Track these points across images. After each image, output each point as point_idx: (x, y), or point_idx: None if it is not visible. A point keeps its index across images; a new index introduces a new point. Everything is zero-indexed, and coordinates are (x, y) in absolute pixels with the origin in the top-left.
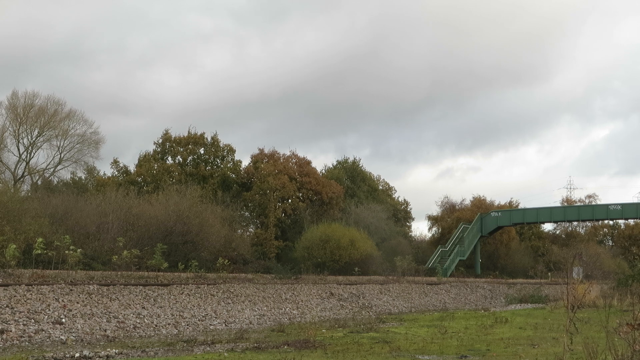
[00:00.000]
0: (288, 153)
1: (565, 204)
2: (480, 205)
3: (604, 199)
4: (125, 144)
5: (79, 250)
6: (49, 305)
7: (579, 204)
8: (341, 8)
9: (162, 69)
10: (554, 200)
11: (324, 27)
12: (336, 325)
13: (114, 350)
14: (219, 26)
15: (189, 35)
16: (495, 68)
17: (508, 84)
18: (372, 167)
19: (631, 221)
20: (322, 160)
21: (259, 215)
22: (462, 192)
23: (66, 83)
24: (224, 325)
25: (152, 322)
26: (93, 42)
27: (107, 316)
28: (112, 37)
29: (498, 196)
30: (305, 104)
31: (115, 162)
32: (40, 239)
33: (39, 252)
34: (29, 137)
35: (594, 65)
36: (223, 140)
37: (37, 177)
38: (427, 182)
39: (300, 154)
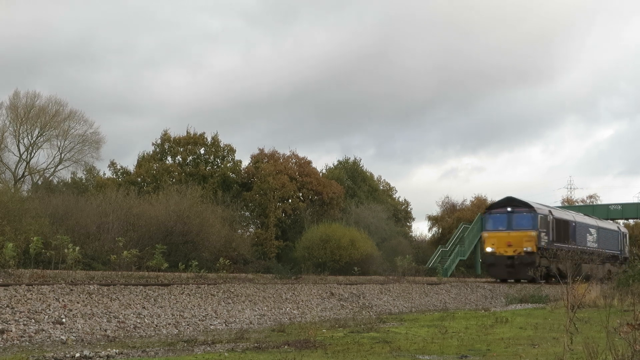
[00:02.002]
0: (288, 153)
1: (566, 203)
2: (480, 205)
3: (608, 199)
4: (131, 145)
5: (77, 248)
6: (49, 305)
7: (579, 203)
8: (350, 8)
9: (170, 69)
10: (555, 200)
11: (333, 27)
12: (336, 325)
13: (114, 350)
14: (227, 26)
15: (197, 36)
16: (502, 68)
17: (514, 84)
18: (376, 167)
19: (631, 221)
20: (327, 161)
21: (259, 215)
22: (466, 192)
23: (74, 84)
24: (224, 325)
25: (153, 322)
26: (101, 43)
27: (107, 316)
28: (120, 38)
29: (501, 196)
30: (313, 105)
31: (113, 164)
32: (36, 237)
33: (35, 250)
34: (30, 137)
35: (599, 66)
36: (230, 140)
37: (38, 177)
38: (430, 182)
39: (306, 155)
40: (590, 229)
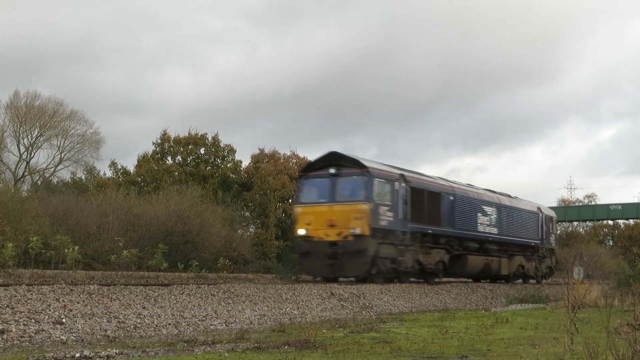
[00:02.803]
0: (288, 153)
1: (563, 203)
2: None
3: (609, 199)
4: (134, 145)
5: (77, 248)
6: (49, 305)
7: (577, 204)
8: (353, 8)
9: (173, 69)
10: (553, 200)
11: (335, 27)
12: (337, 326)
13: (114, 350)
14: (230, 26)
15: (199, 36)
16: (503, 68)
17: (516, 84)
18: None
19: (631, 221)
20: None
21: (259, 215)
22: None
23: (76, 84)
24: (224, 325)
25: (153, 322)
26: (103, 43)
27: (107, 316)
28: (122, 38)
29: None
30: (315, 105)
31: (113, 164)
32: (36, 237)
33: (35, 250)
34: (30, 137)
35: (601, 66)
36: (230, 140)
37: (37, 177)
38: None
39: (307, 155)
40: (484, 207)
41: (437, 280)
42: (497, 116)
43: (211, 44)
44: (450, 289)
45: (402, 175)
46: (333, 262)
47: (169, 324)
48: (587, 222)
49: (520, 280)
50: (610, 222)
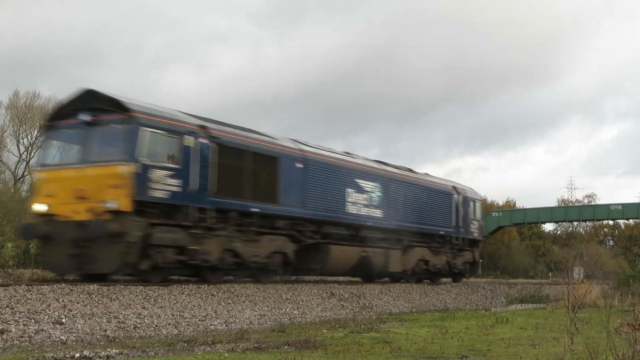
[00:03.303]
0: None
1: (562, 204)
2: (484, 206)
3: (612, 199)
4: None
5: None
6: (49, 306)
7: (577, 204)
8: (357, 9)
9: (176, 69)
10: (553, 200)
11: (339, 27)
12: (337, 326)
13: (114, 350)
14: (234, 27)
15: (204, 36)
16: (507, 68)
17: (519, 84)
18: None
19: (631, 221)
20: None
21: None
22: None
23: (80, 84)
24: (224, 325)
25: (153, 322)
26: (107, 43)
27: (107, 316)
28: (127, 38)
29: (504, 196)
30: (318, 105)
31: None
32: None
33: (35, 250)
34: (29, 137)
35: (605, 66)
36: None
37: None
38: None
39: None
40: (359, 182)
41: (278, 278)
42: (499, 116)
43: (215, 44)
44: (450, 289)
45: (202, 127)
46: (79, 251)
47: (169, 324)
48: (588, 222)
49: (428, 280)
50: (611, 222)
